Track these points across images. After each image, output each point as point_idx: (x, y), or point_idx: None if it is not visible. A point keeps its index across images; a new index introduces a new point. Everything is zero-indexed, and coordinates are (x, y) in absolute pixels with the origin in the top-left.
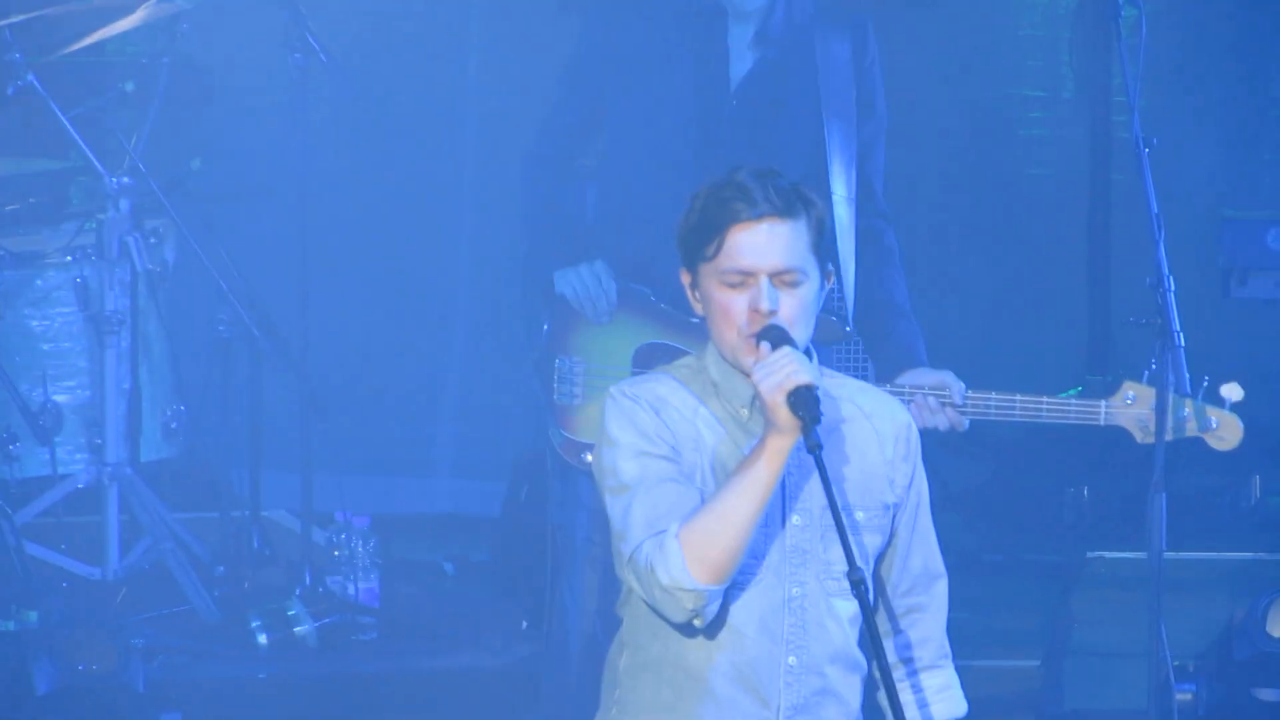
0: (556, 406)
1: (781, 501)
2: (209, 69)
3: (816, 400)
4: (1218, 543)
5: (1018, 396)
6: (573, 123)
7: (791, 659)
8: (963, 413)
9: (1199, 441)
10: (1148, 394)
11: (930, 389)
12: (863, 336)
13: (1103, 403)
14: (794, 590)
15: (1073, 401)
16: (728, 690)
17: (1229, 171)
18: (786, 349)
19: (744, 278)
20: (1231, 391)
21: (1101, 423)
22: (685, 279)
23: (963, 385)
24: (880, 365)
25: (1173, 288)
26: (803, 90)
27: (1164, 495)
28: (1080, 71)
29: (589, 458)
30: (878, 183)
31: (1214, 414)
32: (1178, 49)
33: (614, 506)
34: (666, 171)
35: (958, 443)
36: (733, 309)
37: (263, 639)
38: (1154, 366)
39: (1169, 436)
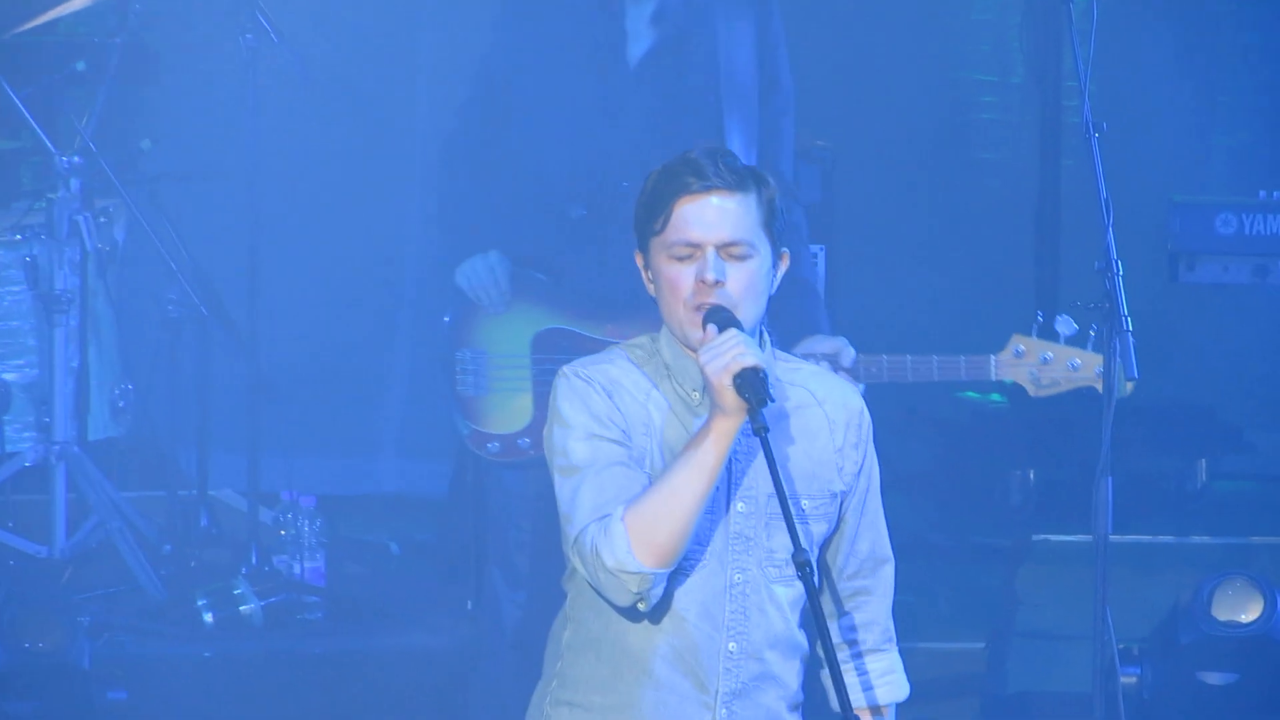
0: (460, 398)
1: (727, 487)
2: (160, 49)
3: (764, 382)
4: (1164, 526)
5: (908, 357)
6: (486, 112)
7: (731, 645)
8: (855, 376)
9: (1147, 424)
10: (1036, 346)
11: (822, 355)
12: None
13: (991, 358)
14: (736, 577)
15: (962, 358)
16: (666, 673)
17: (1178, 156)
18: (733, 330)
19: (691, 250)
20: (1065, 325)
21: (992, 377)
22: (639, 260)
23: (853, 351)
24: (781, 335)
25: (1121, 272)
26: (702, 69)
27: (1110, 478)
28: (1031, 56)
29: (494, 447)
30: (784, 161)
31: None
32: (1128, 34)
33: (563, 487)
34: (568, 156)
35: (904, 424)
36: (680, 282)
37: (209, 617)
38: (1040, 319)
39: (1064, 387)
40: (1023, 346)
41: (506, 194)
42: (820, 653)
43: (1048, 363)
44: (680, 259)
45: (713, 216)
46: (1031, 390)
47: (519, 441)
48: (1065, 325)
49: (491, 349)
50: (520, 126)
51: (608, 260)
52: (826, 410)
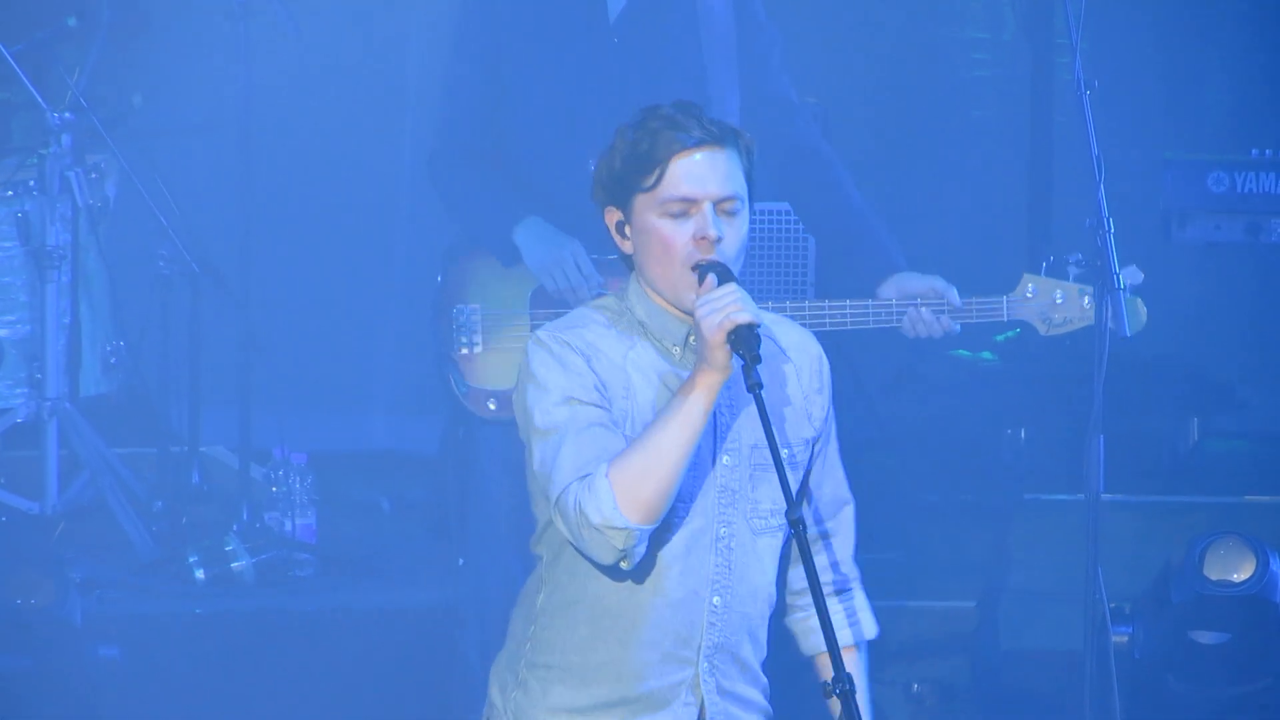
0: (455, 357)
1: (712, 441)
2: (152, 5)
3: (758, 339)
4: (1155, 485)
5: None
6: (478, 99)
7: (716, 599)
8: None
9: (1139, 382)
10: (1047, 285)
11: (924, 299)
12: (827, 248)
13: (1004, 298)
14: (722, 530)
15: (974, 300)
16: (648, 630)
17: (1170, 114)
18: (732, 285)
19: (687, 206)
20: (1132, 275)
21: (1005, 318)
22: (612, 217)
23: (955, 289)
24: (858, 275)
25: (1113, 230)
26: (680, 17)
27: (1101, 437)
28: (1022, 13)
29: (493, 405)
30: (789, 91)
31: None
32: None
33: (542, 449)
34: (558, 114)
35: (895, 383)
36: (675, 239)
37: (200, 574)
38: (1051, 260)
39: (1075, 325)
40: (1034, 286)
41: (525, 163)
42: (790, 600)
43: (1060, 302)
44: (675, 216)
45: (707, 172)
46: (1043, 329)
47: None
48: (1076, 264)
49: (488, 305)
50: (517, 94)
51: None
52: (793, 358)
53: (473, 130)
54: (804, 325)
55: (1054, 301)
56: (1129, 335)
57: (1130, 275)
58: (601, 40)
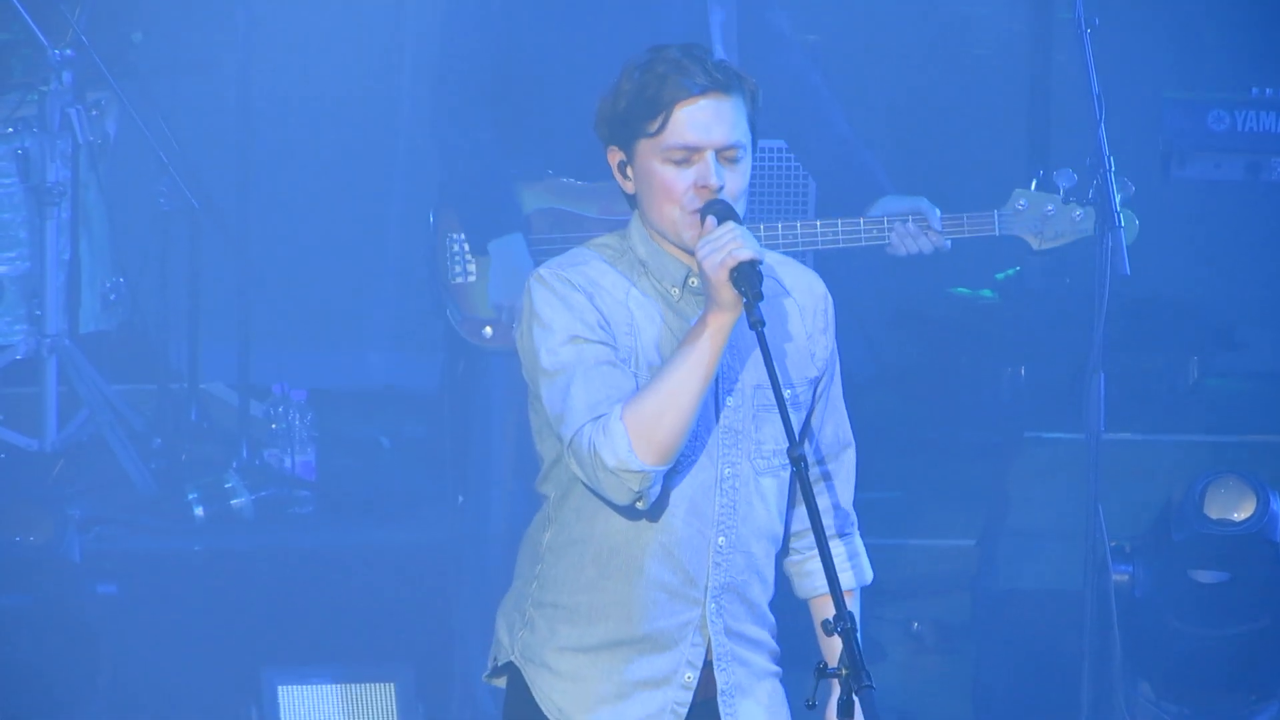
0: (450, 287)
1: (715, 382)
2: None
3: (760, 276)
4: (1155, 424)
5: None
6: (471, 66)
7: (721, 539)
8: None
9: (1139, 321)
10: (1038, 199)
11: (909, 216)
12: (818, 177)
13: (995, 212)
14: (726, 471)
15: (965, 216)
16: (655, 569)
17: (1171, 52)
18: (731, 224)
19: (689, 154)
20: (1124, 188)
21: (996, 232)
22: (615, 156)
23: (937, 210)
24: (848, 201)
25: (1113, 168)
26: None
27: (1102, 375)
28: None
29: (489, 331)
30: (782, 22)
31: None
32: None
33: (551, 389)
34: (564, 48)
35: (896, 321)
36: (676, 186)
37: (199, 511)
38: (1040, 174)
39: (1067, 239)
40: (1025, 200)
41: (516, 96)
42: (794, 544)
43: (1050, 215)
44: (677, 163)
45: (711, 120)
46: (1035, 244)
47: (514, 324)
48: (1066, 178)
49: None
50: (508, 27)
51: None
52: (796, 298)
53: (469, 101)
54: (797, 245)
55: (1045, 214)
56: (1129, 273)
57: (1123, 188)
58: None
